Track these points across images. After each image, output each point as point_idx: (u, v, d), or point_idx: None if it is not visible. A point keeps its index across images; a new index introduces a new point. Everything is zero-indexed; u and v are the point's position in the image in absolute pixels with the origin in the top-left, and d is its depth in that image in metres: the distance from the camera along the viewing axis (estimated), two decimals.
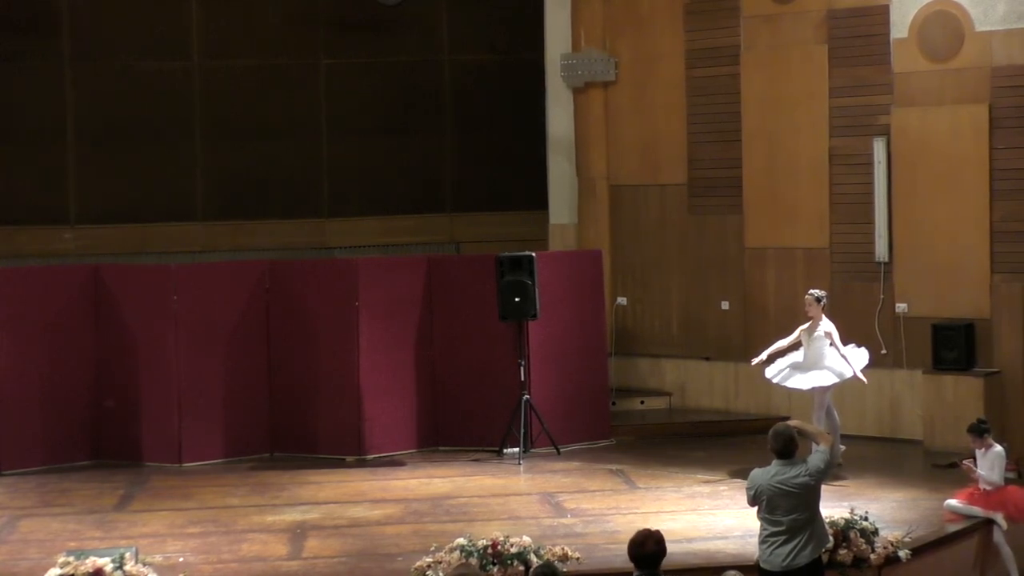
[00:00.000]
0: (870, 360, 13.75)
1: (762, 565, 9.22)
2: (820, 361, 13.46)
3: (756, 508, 9.35)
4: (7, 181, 17.71)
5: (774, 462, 9.25)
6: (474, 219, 18.32)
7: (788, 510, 9.11)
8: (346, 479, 13.93)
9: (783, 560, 9.10)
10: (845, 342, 13.57)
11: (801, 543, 9.13)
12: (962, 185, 14.86)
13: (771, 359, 13.79)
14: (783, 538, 9.13)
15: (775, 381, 13.76)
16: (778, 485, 9.13)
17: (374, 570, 10.65)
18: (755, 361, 13.83)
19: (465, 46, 18.51)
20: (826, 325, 13.48)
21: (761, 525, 9.29)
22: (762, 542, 9.26)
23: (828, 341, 13.42)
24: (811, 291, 13.67)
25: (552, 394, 15.03)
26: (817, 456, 9.24)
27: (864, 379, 13.48)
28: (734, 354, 16.14)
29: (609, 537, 11.13)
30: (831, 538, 9.98)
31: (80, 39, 17.85)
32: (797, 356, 13.67)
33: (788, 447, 9.21)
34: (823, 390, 13.45)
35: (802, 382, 13.50)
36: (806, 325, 13.56)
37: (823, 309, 13.52)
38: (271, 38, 18.23)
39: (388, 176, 18.39)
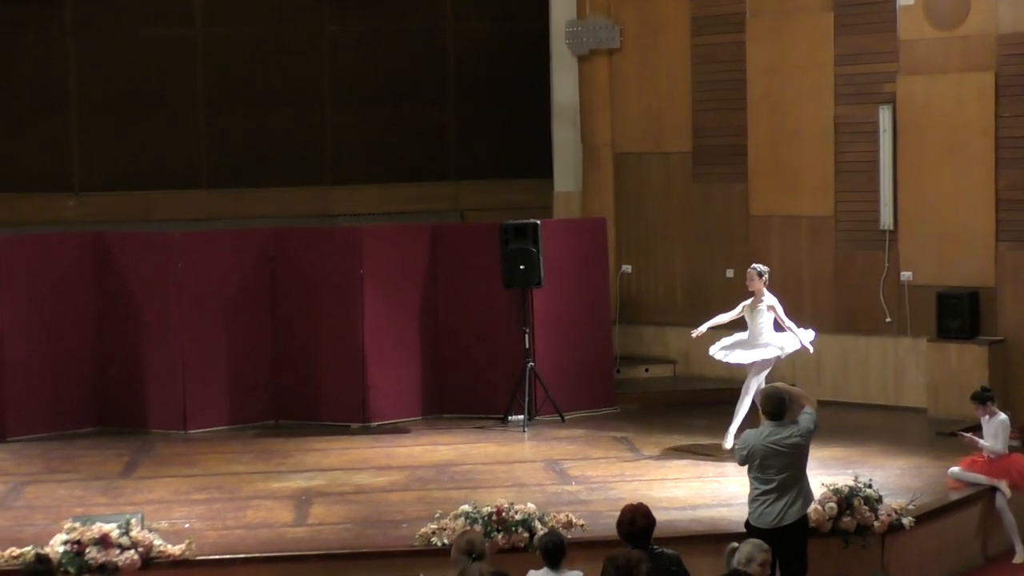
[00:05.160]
0: (874, 328, 13.69)
1: (752, 523, 9.49)
2: (762, 336, 13.13)
3: (747, 468, 9.59)
4: (11, 149, 17.69)
5: (765, 423, 9.58)
6: (478, 187, 18.29)
7: (779, 469, 9.41)
8: (351, 446, 13.96)
9: (772, 518, 9.40)
10: (850, 311, 13.52)
11: (790, 501, 9.44)
12: (967, 153, 14.83)
13: (721, 341, 13.45)
14: (773, 496, 9.43)
15: (717, 358, 13.43)
16: (771, 445, 9.43)
17: (379, 537, 10.68)
18: (695, 334, 13.51)
19: (469, 13, 18.44)
20: (768, 299, 13.13)
21: (752, 484, 9.57)
22: (752, 500, 9.56)
23: (771, 316, 13.10)
24: (753, 265, 13.34)
25: (556, 362, 15.04)
26: (807, 417, 9.57)
27: (811, 348, 13.21)
28: (738, 323, 16.09)
29: (613, 504, 11.10)
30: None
31: (82, 6, 17.78)
32: (741, 333, 13.37)
33: (779, 409, 9.55)
34: (764, 364, 13.10)
35: (744, 357, 13.17)
36: (749, 300, 13.22)
37: (765, 283, 13.17)
38: (274, 5, 18.16)
39: (392, 144, 18.35)
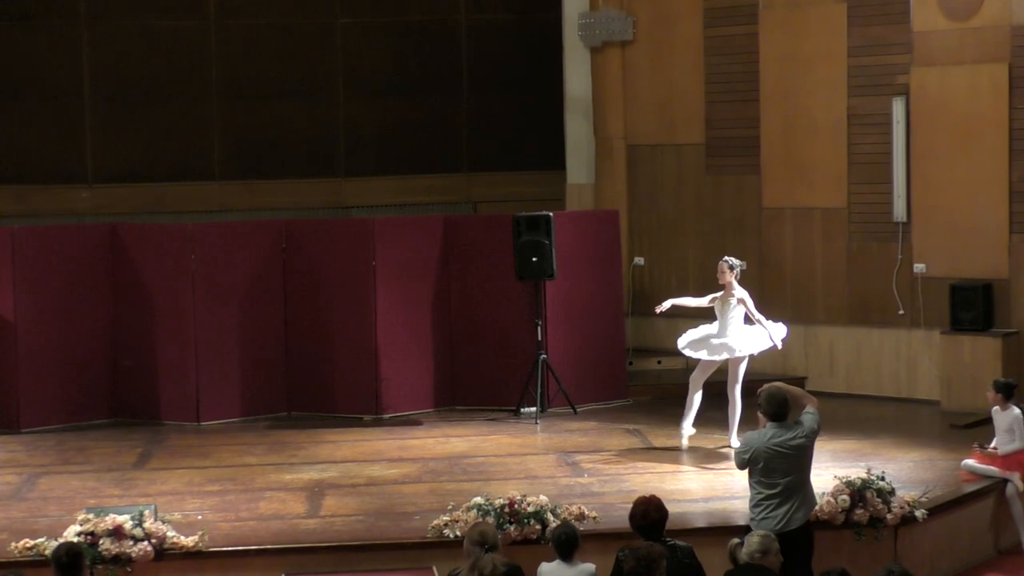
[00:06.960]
0: (887, 320, 13.61)
1: (754, 529, 9.15)
2: (730, 332, 12.86)
3: (748, 472, 9.40)
4: (24, 140, 17.72)
5: (768, 425, 9.34)
6: (491, 179, 18.28)
7: (784, 472, 9.23)
8: (363, 438, 13.97)
9: (777, 523, 9.16)
10: (863, 303, 13.46)
11: (795, 506, 9.26)
12: (981, 145, 14.79)
13: (688, 335, 13.22)
14: (777, 500, 9.24)
15: (687, 353, 13.23)
16: (775, 447, 9.23)
17: (391, 529, 10.69)
18: (659, 310, 13.34)
19: (482, 5, 18.42)
20: (739, 292, 12.88)
21: (754, 489, 9.35)
22: (755, 505, 9.34)
23: (742, 310, 12.86)
24: (725, 258, 13.03)
25: (569, 354, 15.04)
26: (810, 417, 9.37)
27: (780, 345, 12.95)
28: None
29: (626, 496, 11.11)
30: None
31: None
32: (711, 328, 13.07)
33: (783, 409, 9.32)
34: (738, 361, 12.88)
35: (710, 355, 12.90)
36: (719, 293, 12.99)
37: (736, 277, 12.90)
38: None
39: (405, 135, 18.34)
